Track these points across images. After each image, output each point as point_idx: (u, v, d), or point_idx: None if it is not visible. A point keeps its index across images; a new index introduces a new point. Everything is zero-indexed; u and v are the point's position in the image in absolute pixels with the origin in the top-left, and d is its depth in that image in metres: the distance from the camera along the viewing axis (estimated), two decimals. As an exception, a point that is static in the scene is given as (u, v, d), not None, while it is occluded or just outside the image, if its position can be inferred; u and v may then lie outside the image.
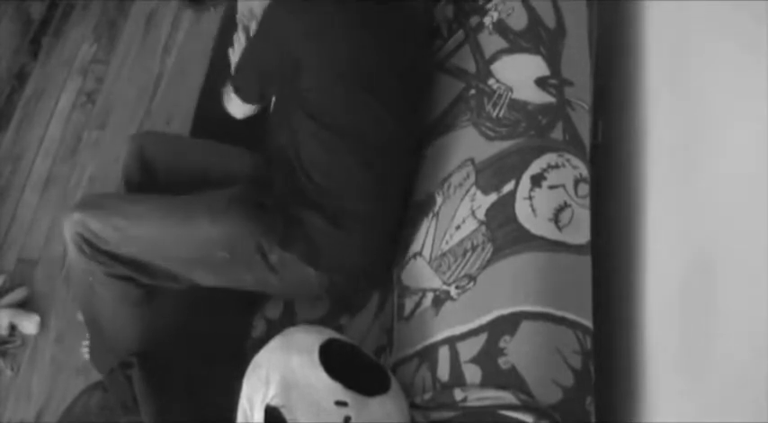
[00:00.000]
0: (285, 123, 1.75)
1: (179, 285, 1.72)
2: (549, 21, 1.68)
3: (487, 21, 1.75)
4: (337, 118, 1.69)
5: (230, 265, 1.67)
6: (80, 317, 1.94)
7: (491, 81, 1.68)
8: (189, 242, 1.68)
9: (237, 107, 1.88)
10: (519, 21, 1.70)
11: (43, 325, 2.18)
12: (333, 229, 1.67)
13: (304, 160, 1.70)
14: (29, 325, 2.17)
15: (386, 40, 1.72)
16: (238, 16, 2.05)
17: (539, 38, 1.67)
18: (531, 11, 1.70)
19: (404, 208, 1.76)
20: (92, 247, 1.67)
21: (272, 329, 1.60)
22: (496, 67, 1.69)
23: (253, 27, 1.97)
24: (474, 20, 1.79)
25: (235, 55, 2.00)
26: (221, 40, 2.25)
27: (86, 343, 1.98)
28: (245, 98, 1.85)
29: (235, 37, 2.03)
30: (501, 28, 1.71)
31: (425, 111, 1.80)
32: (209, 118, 2.09)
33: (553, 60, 1.64)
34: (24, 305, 2.21)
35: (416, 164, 1.77)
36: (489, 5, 1.77)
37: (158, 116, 2.52)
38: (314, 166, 1.69)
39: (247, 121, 1.95)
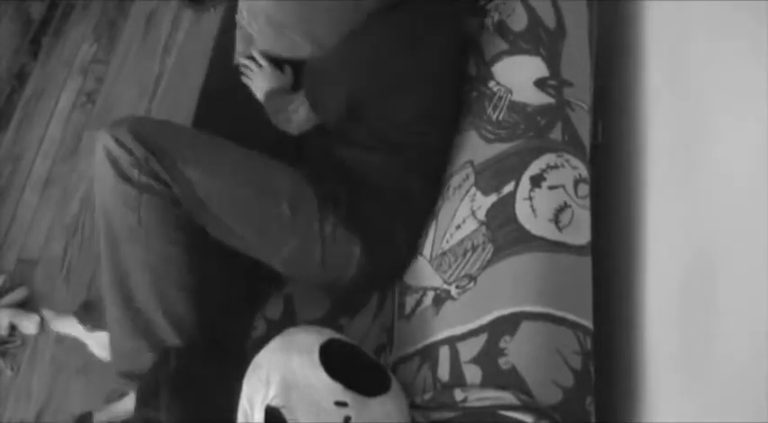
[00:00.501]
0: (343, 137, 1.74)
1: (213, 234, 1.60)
2: (549, 21, 1.68)
3: (488, 22, 1.75)
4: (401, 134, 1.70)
5: (286, 223, 1.59)
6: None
7: (491, 83, 1.68)
8: (260, 186, 1.59)
9: (304, 120, 1.77)
10: (519, 21, 1.70)
11: (43, 325, 2.18)
12: (390, 222, 1.67)
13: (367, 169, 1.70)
14: (29, 325, 2.17)
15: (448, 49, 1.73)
16: (238, 17, 2.05)
17: (538, 39, 1.67)
18: (531, 11, 1.70)
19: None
20: (149, 158, 1.49)
21: (273, 330, 1.60)
22: (497, 69, 1.69)
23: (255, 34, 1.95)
24: (476, 22, 1.79)
25: (254, 84, 1.97)
26: (221, 40, 2.25)
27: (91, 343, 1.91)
28: (323, 115, 1.74)
29: (245, 68, 2.01)
30: (501, 29, 1.72)
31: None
32: (210, 118, 2.08)
33: (553, 61, 1.64)
34: (24, 305, 2.21)
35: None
36: (490, 6, 1.77)
37: (158, 116, 2.51)
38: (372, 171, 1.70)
39: (249, 122, 1.95)
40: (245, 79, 2.04)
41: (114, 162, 1.51)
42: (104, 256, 1.61)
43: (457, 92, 1.77)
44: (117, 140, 1.51)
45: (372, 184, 1.70)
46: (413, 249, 1.70)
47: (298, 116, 1.78)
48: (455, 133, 1.74)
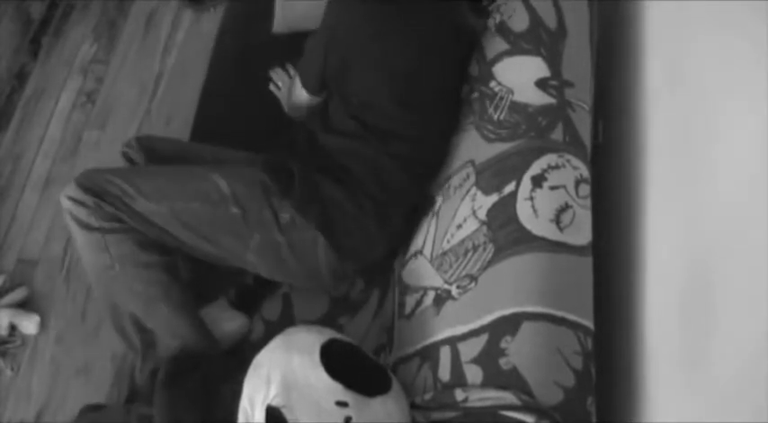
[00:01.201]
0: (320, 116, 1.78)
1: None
2: (551, 21, 1.68)
3: (490, 22, 1.75)
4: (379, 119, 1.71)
5: (239, 221, 1.65)
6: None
7: (492, 83, 1.68)
8: (204, 195, 1.66)
9: (300, 98, 1.86)
10: (520, 22, 1.70)
11: (43, 325, 2.18)
12: (351, 204, 1.68)
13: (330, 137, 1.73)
14: (29, 325, 2.17)
15: (433, 46, 1.74)
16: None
17: (539, 39, 1.67)
18: (532, 12, 1.70)
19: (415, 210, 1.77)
20: (100, 203, 1.63)
21: (271, 331, 1.60)
22: (498, 70, 1.69)
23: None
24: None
25: (281, 94, 2.04)
26: (221, 40, 2.25)
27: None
28: (307, 87, 1.82)
29: (275, 75, 2.08)
30: (503, 30, 1.72)
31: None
32: (210, 118, 2.09)
33: (554, 61, 1.64)
34: (24, 305, 2.21)
35: (440, 167, 1.77)
36: (492, 7, 1.77)
37: (158, 116, 2.52)
38: (342, 152, 1.72)
39: (249, 122, 1.95)
40: (273, 89, 2.07)
41: (75, 218, 1.65)
42: (96, 293, 1.76)
43: (446, 89, 1.77)
44: (71, 199, 1.66)
45: (346, 170, 1.71)
46: (388, 233, 1.72)
47: (298, 98, 1.86)
48: (452, 133, 1.75)
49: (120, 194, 1.64)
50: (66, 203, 1.66)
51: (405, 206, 1.75)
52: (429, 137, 1.74)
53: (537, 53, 1.65)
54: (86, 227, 1.65)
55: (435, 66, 1.75)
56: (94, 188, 1.65)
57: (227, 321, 1.77)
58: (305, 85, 1.83)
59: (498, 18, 1.74)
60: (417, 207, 1.76)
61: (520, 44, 1.68)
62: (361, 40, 1.69)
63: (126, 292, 1.67)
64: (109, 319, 1.73)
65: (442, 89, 1.77)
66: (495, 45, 1.72)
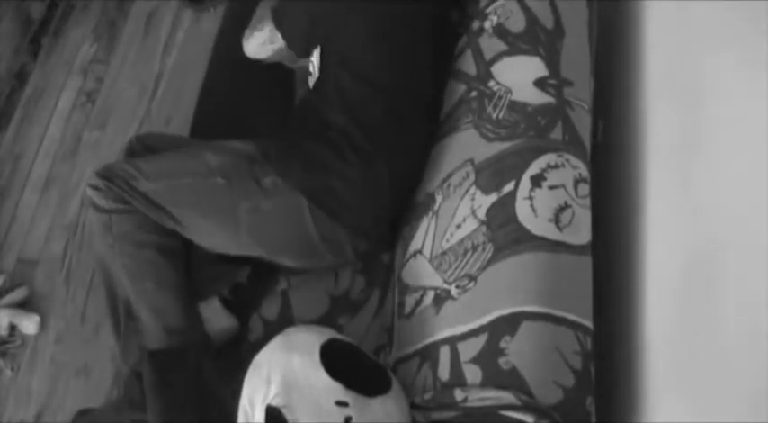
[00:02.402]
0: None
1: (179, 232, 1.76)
2: (547, 21, 1.69)
3: (487, 25, 1.75)
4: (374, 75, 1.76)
5: (226, 191, 1.71)
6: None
7: (491, 83, 1.68)
8: (194, 170, 1.75)
9: (256, 46, 1.92)
10: (517, 23, 1.70)
11: (43, 325, 2.18)
12: (333, 157, 1.71)
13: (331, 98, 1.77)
14: (29, 325, 2.17)
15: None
16: None
17: (537, 39, 1.67)
18: (528, 13, 1.70)
19: (417, 175, 1.78)
20: (110, 185, 1.74)
21: (270, 331, 1.60)
22: (496, 69, 1.69)
23: None
24: (475, 24, 1.79)
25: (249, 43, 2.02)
26: (221, 40, 2.25)
27: None
28: (289, 41, 1.88)
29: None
30: (500, 31, 1.72)
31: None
32: (210, 118, 2.09)
33: (552, 60, 1.64)
34: (24, 305, 2.21)
35: (435, 128, 1.79)
36: (489, 9, 1.77)
37: (158, 116, 2.52)
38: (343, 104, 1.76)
39: (249, 121, 1.95)
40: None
41: (92, 202, 1.79)
42: (98, 277, 1.90)
43: (427, 67, 1.80)
44: (90, 185, 1.79)
45: (326, 124, 1.75)
46: (376, 190, 1.74)
47: (261, 33, 1.91)
48: (440, 83, 1.80)
49: (125, 177, 1.75)
50: (88, 191, 1.79)
51: (393, 159, 1.74)
52: (414, 84, 1.78)
53: (535, 53, 1.66)
54: (98, 209, 1.76)
55: (410, 35, 1.80)
56: (106, 173, 1.77)
57: (216, 322, 1.80)
58: (292, 48, 1.89)
59: (495, 20, 1.74)
60: (406, 173, 1.77)
61: (518, 45, 1.68)
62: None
63: (120, 271, 1.76)
64: (105, 302, 1.81)
65: (425, 39, 1.81)
66: (494, 46, 1.72)
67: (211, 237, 1.77)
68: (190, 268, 1.83)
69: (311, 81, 1.89)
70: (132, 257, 1.74)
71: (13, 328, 2.17)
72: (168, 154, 1.86)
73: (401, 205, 1.79)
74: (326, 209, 1.70)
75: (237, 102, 2.08)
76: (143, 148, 1.96)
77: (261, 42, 1.92)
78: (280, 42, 1.91)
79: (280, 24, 1.88)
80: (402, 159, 1.76)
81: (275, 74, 2.12)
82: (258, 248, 1.75)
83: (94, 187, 1.76)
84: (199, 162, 1.76)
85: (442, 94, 1.81)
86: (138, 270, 1.74)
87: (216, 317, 1.80)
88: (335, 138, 1.72)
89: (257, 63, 2.10)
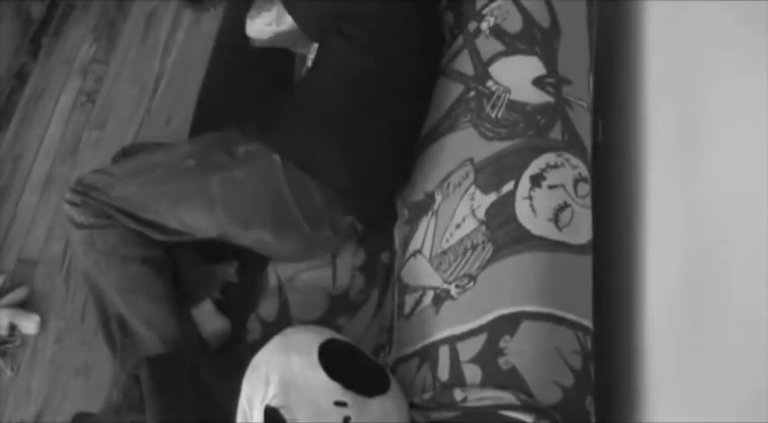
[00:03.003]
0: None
1: (164, 235, 1.76)
2: (543, 20, 1.69)
3: (484, 26, 1.75)
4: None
5: (197, 170, 1.72)
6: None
7: (489, 83, 1.68)
8: (164, 160, 1.77)
9: (261, 26, 1.89)
10: (514, 24, 1.70)
11: (43, 325, 2.18)
12: (312, 116, 1.73)
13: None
14: (29, 325, 2.17)
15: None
16: None
17: (533, 39, 1.67)
18: (524, 12, 1.70)
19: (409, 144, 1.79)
20: (85, 199, 1.73)
21: (268, 332, 1.60)
22: (494, 70, 1.69)
23: None
24: (472, 25, 1.79)
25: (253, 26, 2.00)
26: (221, 40, 2.25)
27: None
28: (304, 25, 1.84)
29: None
30: (497, 32, 1.72)
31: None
32: (209, 118, 2.09)
33: (549, 59, 1.64)
34: (24, 305, 2.21)
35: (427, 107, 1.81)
36: (486, 11, 1.77)
37: (158, 116, 2.51)
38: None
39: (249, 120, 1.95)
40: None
41: (69, 218, 1.76)
42: (88, 292, 1.86)
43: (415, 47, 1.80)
44: (66, 201, 1.77)
45: (308, 88, 1.79)
46: (356, 146, 1.73)
47: (268, 14, 1.89)
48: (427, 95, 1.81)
49: (98, 185, 1.74)
50: (65, 207, 1.77)
51: (379, 119, 1.75)
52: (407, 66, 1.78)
53: (532, 52, 1.66)
54: (77, 225, 1.74)
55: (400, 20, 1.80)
56: (79, 187, 1.75)
57: (209, 325, 1.80)
58: (307, 31, 1.86)
59: (492, 21, 1.74)
60: (390, 138, 1.77)
61: (515, 45, 1.68)
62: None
63: (109, 287, 1.74)
64: (96, 318, 1.80)
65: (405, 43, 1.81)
66: (491, 47, 1.72)
67: (191, 222, 1.74)
68: (178, 275, 1.83)
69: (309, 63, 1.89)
70: (119, 273, 1.74)
71: (13, 328, 2.17)
72: (140, 154, 1.87)
73: (388, 174, 1.78)
74: (297, 161, 1.69)
75: (237, 102, 2.08)
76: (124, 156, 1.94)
77: (267, 22, 1.89)
78: (286, 24, 1.88)
79: (291, 8, 1.84)
80: (386, 124, 1.76)
81: (275, 74, 2.13)
82: (234, 225, 1.73)
83: (71, 203, 1.75)
84: (170, 152, 1.78)
85: (433, 79, 1.82)
86: (127, 285, 1.74)
87: (208, 320, 1.80)
88: (319, 109, 1.74)
89: (257, 64, 2.10)
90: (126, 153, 1.96)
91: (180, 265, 1.83)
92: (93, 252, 1.74)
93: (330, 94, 1.75)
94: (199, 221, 1.74)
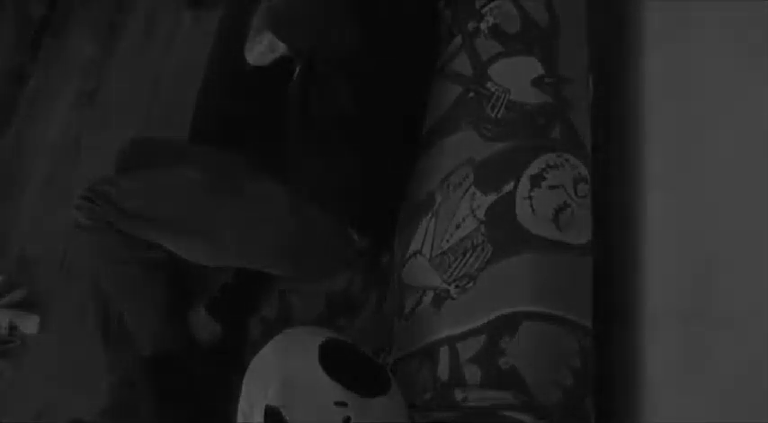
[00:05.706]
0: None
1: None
2: (542, 20, 1.69)
3: (483, 26, 1.75)
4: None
5: (207, 204, 1.75)
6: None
7: (489, 84, 1.69)
8: (170, 180, 1.81)
9: (259, 56, 1.88)
10: (512, 24, 1.70)
11: (43, 325, 2.18)
12: (317, 152, 1.76)
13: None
14: (29, 325, 2.18)
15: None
16: None
17: (532, 39, 1.67)
18: (522, 12, 1.70)
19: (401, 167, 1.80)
20: (93, 206, 1.75)
21: (269, 332, 1.60)
22: (493, 70, 1.69)
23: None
24: (471, 25, 1.79)
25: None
26: (221, 40, 2.25)
27: None
28: (290, 45, 1.82)
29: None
30: (496, 32, 1.72)
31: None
32: (209, 118, 2.09)
33: (548, 59, 1.64)
34: (24, 305, 2.21)
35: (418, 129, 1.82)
36: (485, 10, 1.77)
37: (158, 116, 2.52)
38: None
39: (249, 120, 1.95)
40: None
41: (77, 223, 1.78)
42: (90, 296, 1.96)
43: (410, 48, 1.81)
44: (75, 206, 1.79)
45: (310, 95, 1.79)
46: (351, 156, 1.75)
47: (260, 45, 1.88)
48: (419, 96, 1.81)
49: (107, 195, 1.76)
50: (73, 212, 1.80)
51: (381, 137, 1.77)
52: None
53: (530, 52, 1.66)
54: (83, 228, 1.77)
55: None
56: (88, 193, 1.77)
57: (201, 329, 1.83)
58: (293, 50, 1.85)
59: (491, 21, 1.74)
60: (385, 161, 1.78)
61: (514, 45, 1.68)
62: None
63: (108, 288, 1.81)
64: (96, 317, 1.87)
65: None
66: (490, 48, 1.72)
67: (196, 253, 1.78)
68: (178, 276, 1.85)
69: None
70: (118, 275, 1.78)
71: (13, 328, 2.17)
72: (150, 171, 1.88)
73: (395, 191, 1.79)
74: (306, 192, 1.73)
75: (236, 102, 2.08)
76: (135, 154, 1.96)
77: (262, 51, 1.92)
78: (281, 48, 1.90)
79: (278, 32, 1.85)
80: (379, 148, 1.77)
81: (275, 74, 2.13)
82: (242, 260, 1.78)
83: (78, 207, 1.78)
84: (180, 178, 1.79)
85: (430, 81, 1.83)
86: (125, 287, 1.79)
87: (201, 324, 1.83)
88: (322, 137, 1.75)
89: (255, 66, 2.10)
90: (138, 152, 1.97)
91: (181, 266, 1.83)
92: (94, 253, 1.79)
93: (330, 122, 1.75)
94: (205, 253, 1.78)
